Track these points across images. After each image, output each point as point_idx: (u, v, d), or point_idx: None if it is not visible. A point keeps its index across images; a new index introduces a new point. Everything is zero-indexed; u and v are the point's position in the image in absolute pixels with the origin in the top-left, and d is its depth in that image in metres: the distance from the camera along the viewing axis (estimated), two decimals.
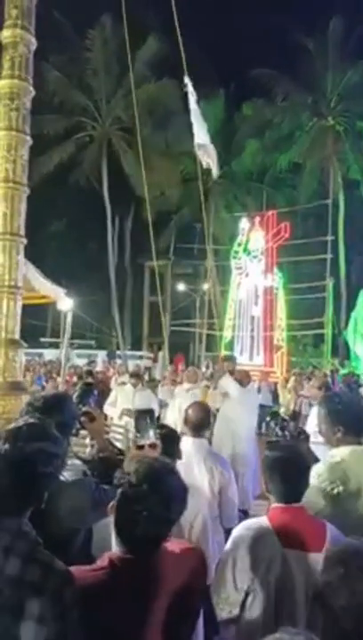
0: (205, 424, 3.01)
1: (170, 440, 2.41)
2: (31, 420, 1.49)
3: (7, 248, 3.49)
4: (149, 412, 2.07)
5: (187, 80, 5.02)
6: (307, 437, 2.83)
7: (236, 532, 1.96)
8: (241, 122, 23.26)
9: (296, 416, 5.15)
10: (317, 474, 2.31)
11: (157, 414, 6.07)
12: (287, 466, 1.94)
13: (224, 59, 22.22)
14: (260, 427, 8.67)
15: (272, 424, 2.59)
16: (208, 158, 5.40)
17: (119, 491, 1.43)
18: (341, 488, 2.23)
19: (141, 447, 1.90)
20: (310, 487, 2.23)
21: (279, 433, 2.54)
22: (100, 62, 20.65)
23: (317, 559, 1.78)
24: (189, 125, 5.67)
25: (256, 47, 23.45)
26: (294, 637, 1.00)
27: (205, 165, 5.45)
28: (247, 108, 22.84)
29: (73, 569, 1.38)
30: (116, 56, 19.10)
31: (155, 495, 1.38)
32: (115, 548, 1.46)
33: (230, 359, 6.26)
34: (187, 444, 2.88)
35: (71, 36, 20.88)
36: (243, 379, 5.86)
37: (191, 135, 5.47)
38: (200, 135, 5.41)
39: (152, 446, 1.91)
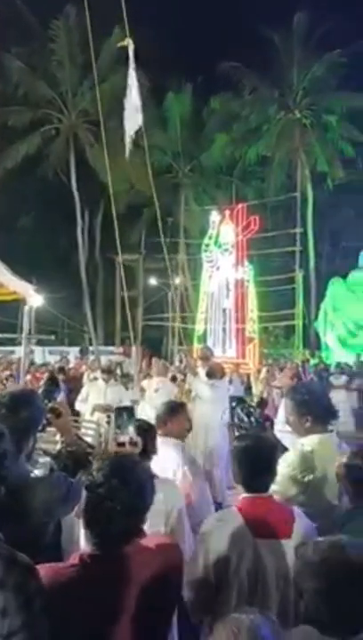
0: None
1: (146, 434, 2.42)
2: None
3: None
4: (129, 408, 2.07)
5: (128, 41, 4.95)
6: (271, 424, 2.89)
7: (206, 524, 1.99)
8: (209, 115, 23.31)
9: (263, 404, 5.25)
10: (287, 463, 2.37)
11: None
12: (254, 456, 1.97)
13: (191, 52, 22.15)
14: (232, 418, 8.79)
15: (238, 410, 2.62)
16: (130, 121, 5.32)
17: (85, 491, 1.42)
18: (311, 476, 2.29)
19: (121, 444, 1.91)
20: (283, 475, 2.30)
21: (245, 419, 2.58)
22: (64, 53, 20.23)
23: (287, 545, 1.84)
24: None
25: (223, 41, 23.46)
26: (249, 616, 1.04)
27: (127, 129, 5.36)
28: (215, 101, 22.89)
29: (44, 566, 1.36)
30: (81, 47, 18.67)
31: (126, 488, 1.38)
32: (83, 545, 1.46)
33: (206, 349, 6.32)
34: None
35: (34, 26, 20.41)
36: (216, 372, 5.93)
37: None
38: (132, 97, 5.34)
39: (133, 443, 1.92)
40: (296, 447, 2.45)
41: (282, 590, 1.81)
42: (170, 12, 23.39)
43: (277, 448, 2.14)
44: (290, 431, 2.68)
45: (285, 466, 2.36)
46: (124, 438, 1.90)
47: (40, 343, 18.49)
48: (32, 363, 11.34)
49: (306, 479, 2.31)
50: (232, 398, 2.79)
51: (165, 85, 21.46)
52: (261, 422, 2.62)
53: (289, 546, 1.83)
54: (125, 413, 1.98)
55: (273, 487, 2.35)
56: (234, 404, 2.64)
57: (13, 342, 21.84)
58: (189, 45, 22.87)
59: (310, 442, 2.41)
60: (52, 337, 21.55)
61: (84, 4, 5.13)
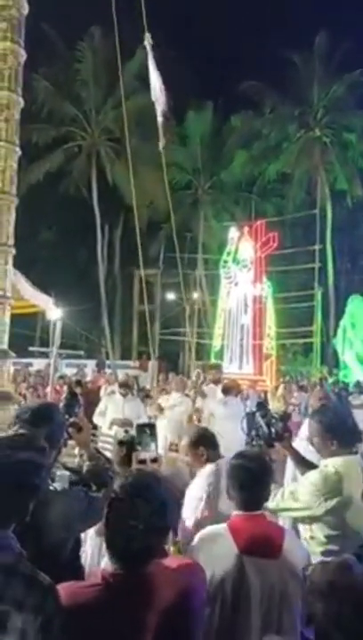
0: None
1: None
2: (20, 431, 1.47)
3: None
4: (151, 425, 2.05)
5: (147, 37, 5.36)
6: (290, 435, 2.84)
7: (196, 539, 1.99)
8: (230, 133, 23.53)
9: (286, 417, 5.05)
10: (311, 482, 2.34)
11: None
12: (248, 474, 1.96)
13: (212, 72, 22.55)
14: (249, 425, 8.67)
15: (259, 416, 2.58)
16: (161, 109, 5.64)
17: (107, 507, 1.41)
18: (336, 499, 2.26)
19: (142, 461, 1.89)
20: (307, 494, 2.28)
21: (264, 429, 2.54)
22: (89, 73, 20.79)
23: (274, 564, 1.85)
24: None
25: (244, 61, 23.83)
26: None
27: (159, 118, 5.67)
28: (235, 119, 23.15)
29: (66, 585, 1.36)
30: (106, 67, 19.22)
31: (148, 506, 1.36)
32: (104, 564, 1.45)
33: (216, 367, 6.27)
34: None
35: (61, 47, 21.03)
36: (231, 389, 5.87)
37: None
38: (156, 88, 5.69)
39: (154, 460, 1.90)
40: (320, 468, 2.43)
41: (265, 608, 1.82)
42: (192, 33, 23.87)
43: (271, 468, 2.12)
44: (312, 451, 2.65)
45: (308, 484, 2.34)
46: (145, 455, 1.89)
47: (58, 355, 18.60)
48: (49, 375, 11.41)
49: (330, 502, 2.28)
50: (256, 405, 2.74)
51: (187, 104, 21.80)
52: (280, 434, 2.58)
53: (276, 565, 1.84)
54: (146, 430, 1.96)
55: (295, 504, 2.33)
56: (255, 408, 2.61)
57: (31, 354, 22.09)
58: (211, 65, 23.28)
59: (335, 463, 2.38)
60: (81, 352, 21.76)
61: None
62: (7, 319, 3.56)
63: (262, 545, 1.86)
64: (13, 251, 3.60)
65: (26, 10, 3.71)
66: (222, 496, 2.33)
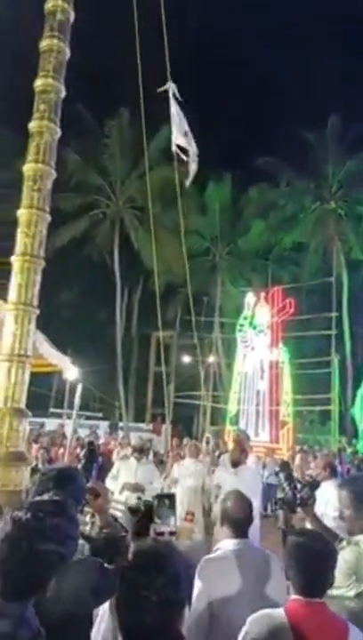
0: (249, 518, 2.41)
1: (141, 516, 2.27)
2: (54, 498, 1.39)
3: (20, 317, 3.58)
4: (170, 496, 1.97)
5: (170, 84, 5.57)
6: (314, 502, 2.69)
7: (249, 624, 1.78)
8: (247, 203, 24.50)
9: (314, 484, 4.59)
10: (346, 561, 2.18)
11: (159, 490, 5.85)
12: (311, 555, 1.77)
13: (232, 147, 23.86)
14: (265, 507, 8.20)
15: (282, 477, 2.46)
16: (189, 160, 5.72)
17: (119, 576, 1.34)
18: None
19: (160, 534, 1.81)
20: (340, 572, 2.08)
21: (289, 493, 2.42)
22: (116, 148, 22.34)
23: None
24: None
25: (261, 137, 25.30)
26: None
27: (191, 171, 5.77)
28: (253, 191, 24.18)
29: None
30: (131, 143, 20.73)
31: (162, 577, 1.28)
32: None
33: (242, 433, 5.84)
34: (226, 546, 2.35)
35: (92, 124, 22.71)
36: (238, 458, 5.32)
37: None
38: (179, 137, 5.78)
39: (172, 533, 1.82)
40: (352, 546, 2.26)
41: None
42: (212, 111, 25.60)
43: (336, 551, 1.92)
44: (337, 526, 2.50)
45: (341, 561, 2.14)
46: (164, 529, 1.81)
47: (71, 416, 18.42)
48: (64, 436, 11.25)
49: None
50: (272, 488, 2.64)
51: (207, 175, 22.98)
52: (305, 500, 2.45)
53: None
54: (166, 502, 1.88)
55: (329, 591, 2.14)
56: (278, 468, 2.51)
57: (45, 414, 21.92)
58: (230, 141, 24.67)
59: None
60: (96, 414, 21.55)
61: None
62: (27, 378, 3.57)
63: (322, 637, 1.67)
64: (37, 311, 3.68)
65: (63, 94, 4.04)
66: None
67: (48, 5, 4.02)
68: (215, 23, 31.52)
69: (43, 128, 3.90)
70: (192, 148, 5.95)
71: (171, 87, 5.73)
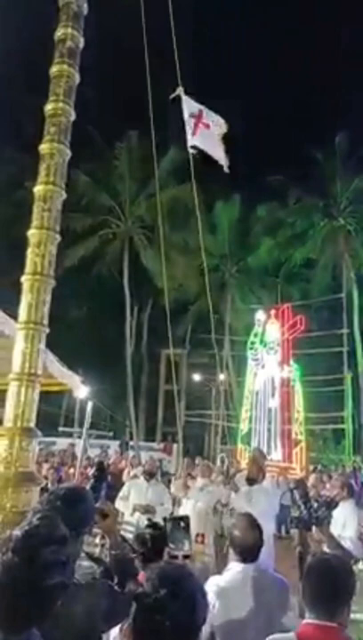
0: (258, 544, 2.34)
1: (153, 541, 2.20)
2: (40, 521, 1.28)
3: (30, 336, 3.59)
4: (184, 518, 1.92)
5: (180, 90, 5.40)
6: (329, 522, 2.62)
7: None
8: (256, 221, 24.65)
9: (332, 504, 4.39)
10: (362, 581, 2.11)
11: (170, 511, 5.76)
12: (327, 577, 1.72)
13: (240, 167, 24.12)
14: (279, 529, 8.01)
15: (296, 494, 2.41)
16: (216, 148, 5.45)
17: (134, 603, 1.29)
18: None
19: (174, 557, 1.77)
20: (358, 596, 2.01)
21: (304, 511, 2.36)
22: (125, 169, 22.75)
23: None
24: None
25: (270, 157, 25.55)
26: None
27: (222, 162, 5.49)
28: (261, 210, 24.33)
29: None
30: (140, 164, 21.13)
31: (176, 601, 1.24)
32: None
33: (259, 452, 5.73)
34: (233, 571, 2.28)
35: (101, 146, 23.16)
36: (256, 476, 5.38)
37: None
38: (192, 139, 5.53)
39: (186, 557, 1.77)
40: None
41: None
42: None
43: (354, 574, 1.86)
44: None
45: (359, 585, 2.09)
46: (178, 552, 1.76)
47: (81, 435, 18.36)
48: (74, 455, 11.18)
49: None
50: (285, 510, 2.59)
51: (216, 195, 23.20)
52: (322, 520, 2.39)
53: None
54: (181, 525, 1.83)
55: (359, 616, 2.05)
56: (293, 485, 2.45)
57: (55, 433, 21.86)
58: (238, 160, 24.99)
59: None
60: (106, 433, 21.48)
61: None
62: (36, 397, 3.56)
63: None
64: (47, 330, 3.70)
65: (73, 117, 4.12)
66: None
67: (58, 33, 4.13)
68: (222, 43, 32.30)
69: (53, 150, 3.97)
70: (216, 129, 5.69)
71: (181, 91, 5.62)
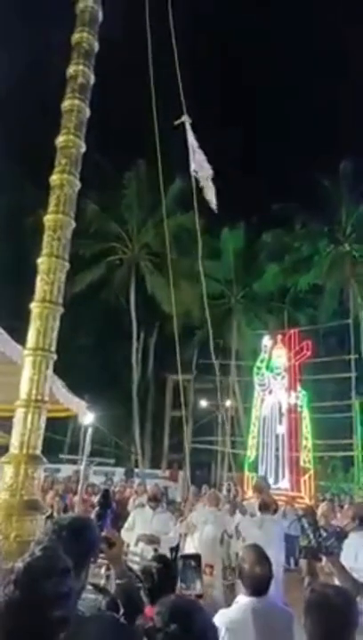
0: (267, 577, 2.30)
1: (160, 574, 2.19)
2: (41, 552, 1.25)
3: (37, 363, 3.61)
4: (195, 557, 1.89)
5: (185, 117, 5.52)
6: (339, 552, 2.56)
7: None
8: (261, 248, 24.86)
9: (342, 534, 4.23)
10: None
11: (176, 542, 5.65)
12: (329, 610, 1.67)
13: (245, 194, 24.52)
14: (288, 561, 7.81)
15: (305, 522, 2.34)
16: (207, 188, 5.55)
17: (144, 635, 1.29)
18: None
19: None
20: None
21: (313, 540, 2.29)
22: (133, 198, 23.23)
23: None
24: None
25: (275, 183, 25.91)
26: None
27: (207, 197, 5.62)
28: (267, 236, 24.57)
29: None
30: (148, 193, 21.57)
31: (186, 635, 1.23)
32: None
33: (263, 480, 5.70)
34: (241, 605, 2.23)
35: (110, 175, 23.69)
36: (270, 505, 5.35)
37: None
38: (201, 164, 5.62)
39: (199, 597, 1.74)
40: None
41: None
42: (226, 160, 26.48)
43: (357, 608, 1.79)
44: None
45: None
46: (189, 592, 1.72)
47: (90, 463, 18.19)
48: (79, 482, 11.03)
49: None
50: (293, 541, 2.54)
51: (221, 222, 23.54)
52: (331, 550, 2.33)
53: None
54: (192, 563, 1.79)
55: None
56: (301, 512, 2.40)
57: (60, 460, 21.64)
58: (244, 188, 25.37)
59: None
60: (110, 460, 21.24)
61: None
62: (43, 424, 3.56)
63: None
64: (55, 357, 3.72)
65: (83, 149, 4.26)
66: None
67: (70, 70, 4.31)
68: (229, 70, 33.24)
69: (63, 181, 4.08)
70: (206, 172, 5.88)
71: (186, 119, 5.79)
